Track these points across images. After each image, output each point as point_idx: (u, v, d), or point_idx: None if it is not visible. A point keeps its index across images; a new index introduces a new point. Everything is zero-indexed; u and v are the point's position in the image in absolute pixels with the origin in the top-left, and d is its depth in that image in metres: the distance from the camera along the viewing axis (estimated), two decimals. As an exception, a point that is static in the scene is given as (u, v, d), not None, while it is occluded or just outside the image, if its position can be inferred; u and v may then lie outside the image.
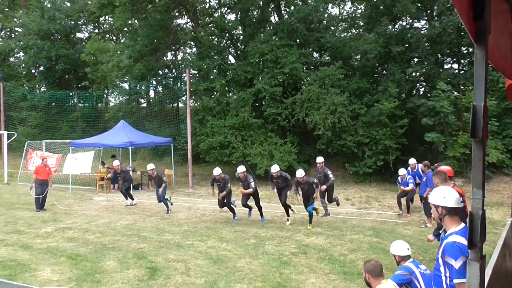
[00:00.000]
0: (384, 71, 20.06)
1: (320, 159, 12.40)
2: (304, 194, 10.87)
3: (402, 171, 12.13)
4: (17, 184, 20.26)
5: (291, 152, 17.94)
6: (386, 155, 16.97)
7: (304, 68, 20.21)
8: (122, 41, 31.07)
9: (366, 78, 18.99)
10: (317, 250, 8.79)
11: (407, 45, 18.50)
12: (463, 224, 3.54)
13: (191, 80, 20.49)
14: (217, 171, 11.75)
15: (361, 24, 21.59)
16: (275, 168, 11.43)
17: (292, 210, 11.81)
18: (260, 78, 19.53)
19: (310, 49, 21.00)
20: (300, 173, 10.86)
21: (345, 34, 22.00)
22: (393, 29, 19.23)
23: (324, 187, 11.78)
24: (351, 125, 17.51)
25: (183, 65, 25.42)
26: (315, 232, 10.44)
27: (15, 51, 34.25)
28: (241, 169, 11.61)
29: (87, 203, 15.26)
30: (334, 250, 8.78)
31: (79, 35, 34.48)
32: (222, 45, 23.45)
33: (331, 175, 11.96)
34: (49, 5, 31.61)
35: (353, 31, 22.42)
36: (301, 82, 19.90)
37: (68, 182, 18.20)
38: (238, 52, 23.66)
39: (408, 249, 4.86)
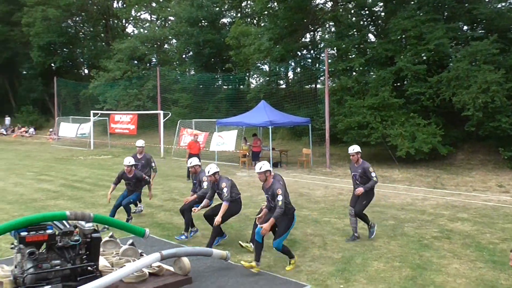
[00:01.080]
0: (550, 44, 17.59)
1: (353, 149, 8.17)
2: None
3: None
4: (171, 158, 22.55)
5: (436, 134, 16.87)
6: (550, 139, 15.01)
7: (452, 44, 18.70)
8: (262, 24, 32.13)
9: (527, 52, 16.88)
10: (462, 236, 8.28)
11: None
12: None
13: (329, 60, 20.41)
14: (191, 161, 8.62)
15: (523, -9, 19.15)
16: (259, 167, 6.92)
17: None
18: (402, 56, 18.62)
19: (460, 22, 19.30)
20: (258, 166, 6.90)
21: (503, 4, 19.71)
22: None
23: (361, 189, 7.87)
24: (507, 105, 15.80)
25: (321, 45, 25.42)
26: (461, 218, 9.81)
27: (169, 38, 37.64)
28: (210, 169, 7.69)
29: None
30: (482, 238, 8.18)
31: (223, 20, 36.53)
32: (361, 23, 22.84)
33: (373, 174, 7.91)
34: (197, -6, 33.98)
35: (513, -1, 20.00)
36: (448, 59, 18.47)
37: (214, 158, 19.65)
38: (379, 30, 22.81)
39: None
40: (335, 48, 22.77)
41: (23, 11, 38.81)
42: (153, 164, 10.35)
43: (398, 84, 19.96)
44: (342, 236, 8.30)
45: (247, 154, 19.44)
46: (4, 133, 39.44)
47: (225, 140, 19.62)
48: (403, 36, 18.99)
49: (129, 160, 9.21)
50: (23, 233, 5.21)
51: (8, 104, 46.14)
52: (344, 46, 20.74)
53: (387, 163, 18.01)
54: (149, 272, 5.92)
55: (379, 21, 23.10)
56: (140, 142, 10.60)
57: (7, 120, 41.72)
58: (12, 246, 5.45)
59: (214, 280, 6.08)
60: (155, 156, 23.40)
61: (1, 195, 12.46)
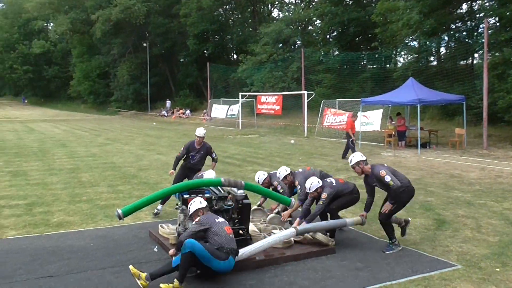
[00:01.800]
0: None
1: (350, 160, 6.36)
2: None
3: None
4: (314, 138, 22.84)
5: None
6: None
7: None
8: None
9: None
10: None
11: None
12: None
13: (490, 31, 18.43)
14: (258, 176, 7.65)
15: None
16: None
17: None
18: None
19: None
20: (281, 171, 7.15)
21: None
22: None
23: (388, 206, 6.13)
24: None
25: (480, 15, 23.05)
26: None
27: (313, 19, 37.72)
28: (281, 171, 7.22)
29: (376, 157, 15.98)
30: None
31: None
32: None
33: (388, 178, 5.93)
34: (343, -29, 33.29)
35: None
36: None
37: (358, 137, 19.36)
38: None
39: None
40: (496, 17, 20.45)
41: (181, 4, 42.57)
42: (213, 155, 9.20)
43: None
44: (500, 220, 7.60)
45: (393, 133, 18.74)
46: (165, 115, 44.02)
47: (370, 120, 19.18)
48: None
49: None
50: (186, 196, 5.90)
51: (169, 89, 51.32)
52: (508, 13, 18.52)
53: (559, 145, 15.82)
54: (294, 240, 6.22)
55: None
56: (200, 131, 9.02)
57: (168, 103, 46.54)
58: (177, 207, 6.21)
59: (358, 252, 6.11)
60: (298, 135, 24.13)
61: (165, 167, 14.04)
